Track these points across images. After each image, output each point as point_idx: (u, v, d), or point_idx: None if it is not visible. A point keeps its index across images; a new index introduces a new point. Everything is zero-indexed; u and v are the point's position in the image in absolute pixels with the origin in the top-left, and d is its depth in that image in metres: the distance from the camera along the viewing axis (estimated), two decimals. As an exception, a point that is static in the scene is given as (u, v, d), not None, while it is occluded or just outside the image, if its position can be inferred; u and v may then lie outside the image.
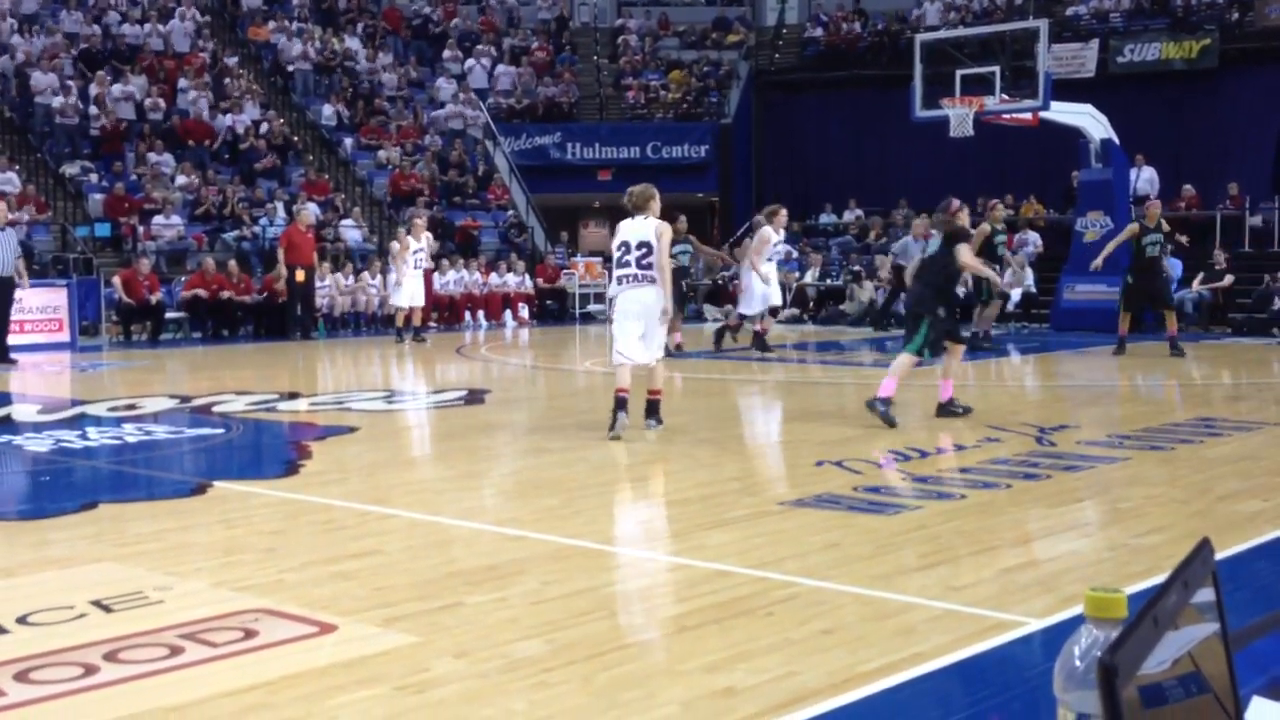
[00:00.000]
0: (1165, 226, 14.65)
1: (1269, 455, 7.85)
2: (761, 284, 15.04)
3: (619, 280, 8.75)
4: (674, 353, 13.78)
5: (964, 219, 9.80)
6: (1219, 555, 4.17)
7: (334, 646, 3.95)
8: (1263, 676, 2.46)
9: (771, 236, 15.02)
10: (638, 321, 8.59)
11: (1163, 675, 1.62)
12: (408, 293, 17.76)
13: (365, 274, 21.21)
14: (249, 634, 4.05)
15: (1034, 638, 4.02)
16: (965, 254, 9.17)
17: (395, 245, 18.51)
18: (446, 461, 8.02)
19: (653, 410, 8.84)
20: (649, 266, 8.54)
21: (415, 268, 17.70)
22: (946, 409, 9.30)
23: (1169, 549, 5.03)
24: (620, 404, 8.45)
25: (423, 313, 18.32)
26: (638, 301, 8.60)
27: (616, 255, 8.79)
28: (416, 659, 3.80)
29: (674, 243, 12.55)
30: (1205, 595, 1.41)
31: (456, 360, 16.07)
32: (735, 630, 4.06)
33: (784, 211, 15.58)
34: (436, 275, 21.92)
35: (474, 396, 11.46)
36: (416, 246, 17.69)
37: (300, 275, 18.64)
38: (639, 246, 8.60)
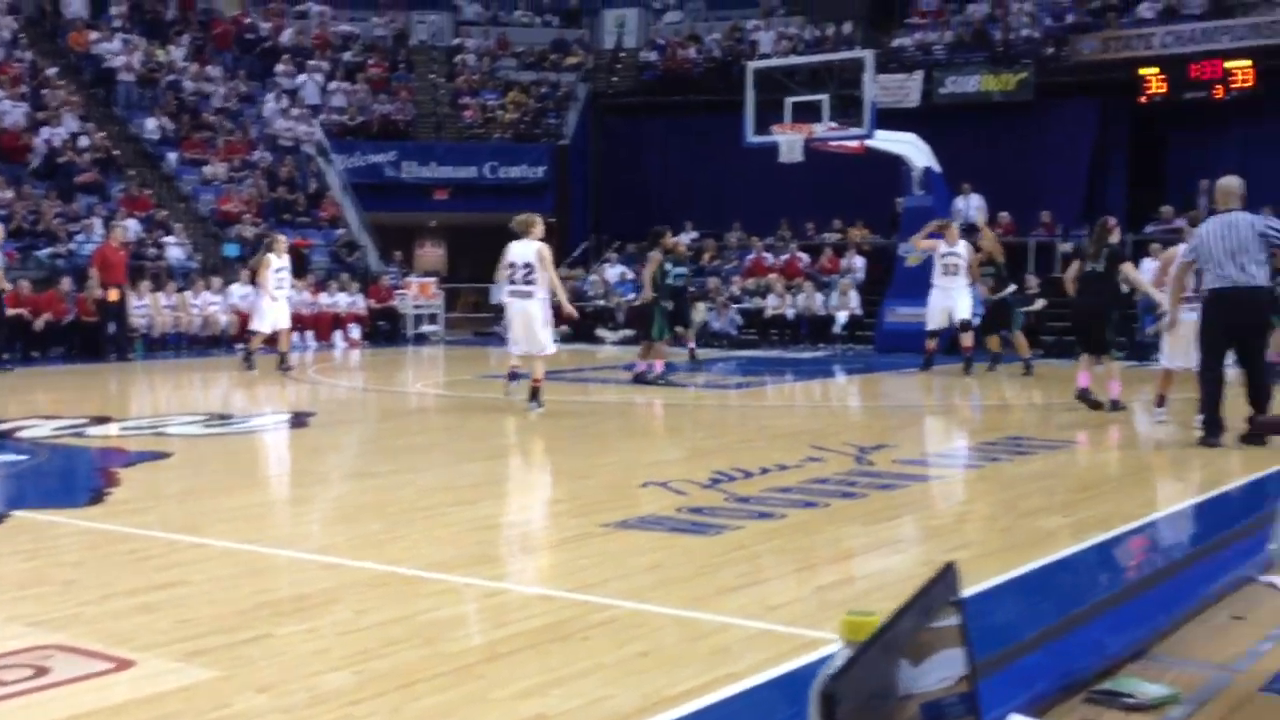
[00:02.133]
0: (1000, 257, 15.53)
1: (1072, 473, 8.19)
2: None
3: (509, 293, 11.05)
4: (654, 379, 13.70)
5: (1116, 236, 11.84)
6: (1022, 570, 4.32)
7: (131, 683, 3.79)
8: (1027, 693, 2.54)
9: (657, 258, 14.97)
10: (521, 326, 10.95)
11: (943, 692, 1.65)
12: (272, 316, 16.02)
13: (188, 293, 20.57)
14: (40, 671, 3.86)
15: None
16: (1130, 270, 11.58)
17: (255, 264, 17.11)
18: (264, 487, 7.81)
19: (534, 395, 10.86)
20: (531, 282, 10.79)
21: (278, 287, 16.05)
22: (1115, 405, 10.88)
23: (977, 564, 5.18)
24: (512, 376, 11.48)
25: (285, 336, 16.54)
26: (521, 311, 10.91)
27: (506, 273, 10.98)
28: (218, 694, 3.67)
29: (677, 264, 13.48)
30: (954, 618, 1.44)
31: (282, 382, 15.68)
32: (551, 655, 4.03)
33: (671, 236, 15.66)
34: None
35: (298, 419, 11.19)
36: (279, 264, 16.06)
37: (114, 294, 17.96)
38: (524, 266, 10.81)
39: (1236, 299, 8.45)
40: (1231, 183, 8.75)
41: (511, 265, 10.91)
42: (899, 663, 1.27)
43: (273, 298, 15.88)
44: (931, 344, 15.49)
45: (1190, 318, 9.31)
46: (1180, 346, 9.66)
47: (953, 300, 15.15)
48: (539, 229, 11.03)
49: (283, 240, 16.77)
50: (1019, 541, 5.77)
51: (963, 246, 15.27)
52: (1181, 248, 9.52)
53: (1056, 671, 2.73)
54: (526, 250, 10.85)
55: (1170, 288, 9.53)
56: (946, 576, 1.36)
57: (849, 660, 1.13)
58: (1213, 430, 8.66)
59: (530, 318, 10.84)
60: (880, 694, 1.28)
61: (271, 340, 16.38)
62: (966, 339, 15.16)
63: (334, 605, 4.65)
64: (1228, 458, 8.50)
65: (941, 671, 1.52)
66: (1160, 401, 10.38)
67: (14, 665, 3.90)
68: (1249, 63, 22.44)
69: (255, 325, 16.22)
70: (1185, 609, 3.29)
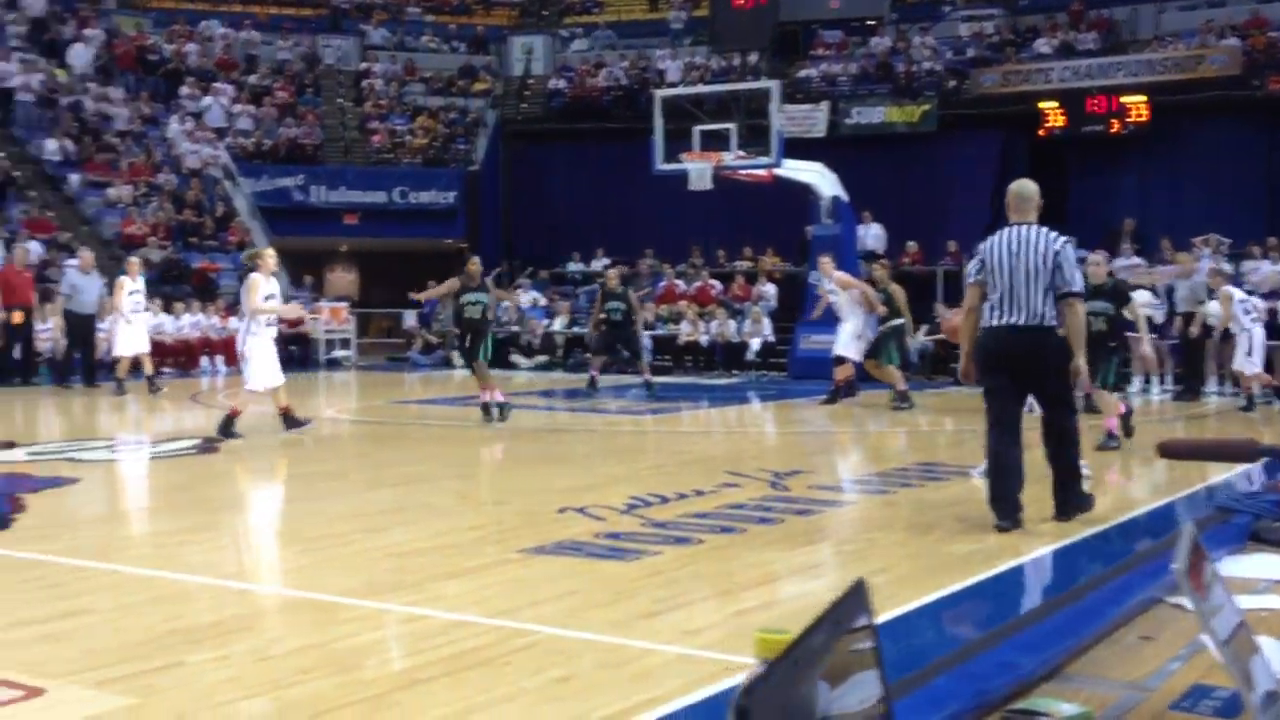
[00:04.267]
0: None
1: (983, 499, 8.32)
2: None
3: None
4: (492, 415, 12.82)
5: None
6: (936, 594, 4.38)
7: (40, 712, 3.71)
8: (940, 713, 2.59)
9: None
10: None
11: (863, 715, 1.68)
12: (128, 339, 16.57)
13: (96, 317, 20.11)
14: (-57, 703, 3.75)
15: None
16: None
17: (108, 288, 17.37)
18: (174, 513, 7.65)
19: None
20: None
21: (134, 310, 16.62)
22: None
23: (890, 589, 5.26)
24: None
25: (152, 359, 17.08)
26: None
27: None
28: (130, 724, 3.60)
29: (465, 290, 12.91)
30: (867, 641, 1.46)
31: (191, 407, 15.41)
32: (469, 682, 4.01)
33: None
34: (170, 319, 21.05)
35: (208, 445, 11.00)
36: (133, 287, 16.60)
37: (18, 317, 17.56)
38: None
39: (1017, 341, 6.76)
40: (1027, 187, 7.11)
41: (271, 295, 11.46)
42: (817, 683, 1.29)
43: (128, 321, 16.50)
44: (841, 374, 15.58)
45: None
46: None
47: (837, 333, 15.34)
48: (263, 261, 11.57)
49: (135, 261, 17.56)
50: (933, 565, 5.86)
51: (836, 280, 15.35)
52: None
53: (970, 692, 2.78)
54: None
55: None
56: (856, 592, 1.39)
57: (760, 674, 1.15)
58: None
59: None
60: (798, 713, 1.30)
61: (137, 365, 16.78)
62: (838, 371, 15.25)
63: (246, 633, 4.59)
64: (1132, 485, 8.71)
65: (860, 693, 1.55)
66: None
67: (-85, 698, 3.79)
68: (1144, 98, 23.15)
69: (117, 351, 16.73)
70: (1095, 629, 3.37)
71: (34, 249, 20.72)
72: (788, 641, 1.32)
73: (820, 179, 20.05)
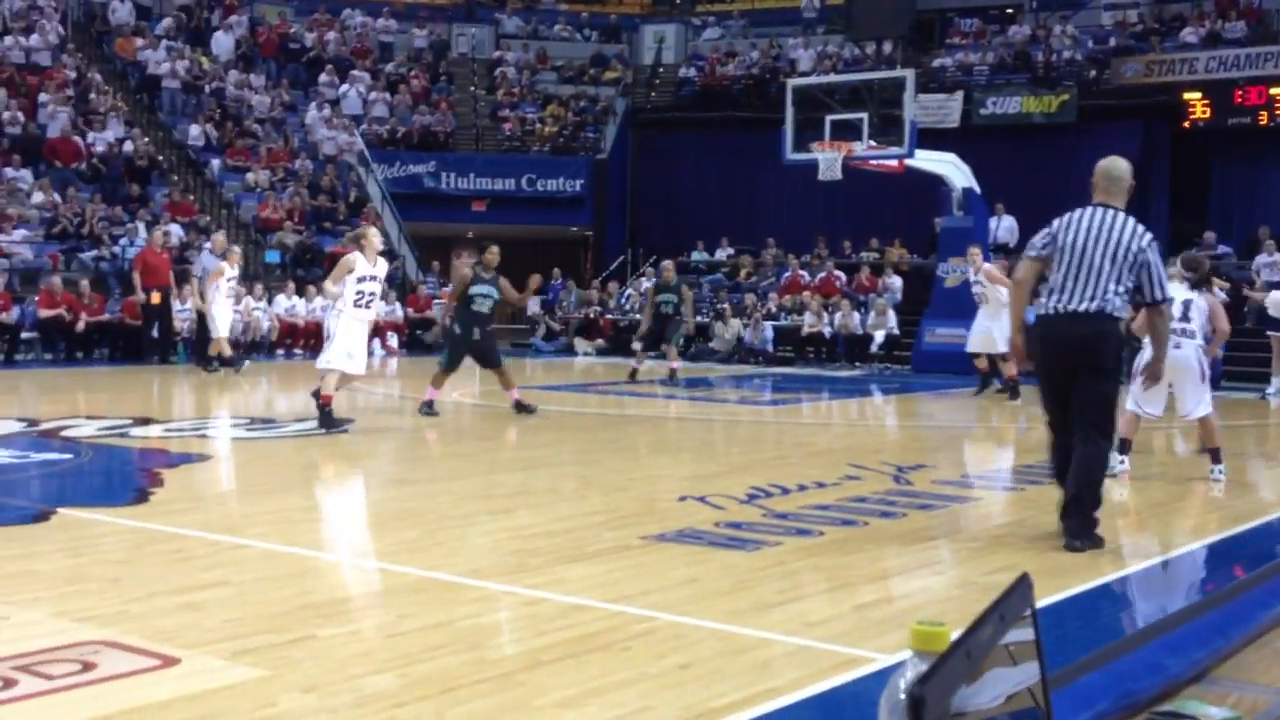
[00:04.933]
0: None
1: (1112, 498, 8.11)
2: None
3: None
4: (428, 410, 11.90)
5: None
6: (1063, 594, 4.30)
7: (177, 680, 3.83)
8: (1088, 711, 2.53)
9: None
10: None
11: (998, 709, 1.66)
12: (225, 321, 17.07)
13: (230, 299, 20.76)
14: (88, 666, 3.90)
15: (885, 673, 4.08)
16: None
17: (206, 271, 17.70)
18: (304, 491, 7.86)
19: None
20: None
21: (228, 296, 17.14)
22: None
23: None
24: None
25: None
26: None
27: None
28: (263, 693, 3.70)
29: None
30: (1026, 632, 1.44)
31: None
32: (591, 665, 4.04)
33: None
34: (304, 302, 21.59)
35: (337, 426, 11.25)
36: (231, 274, 17.08)
37: (155, 297, 18.18)
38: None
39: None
40: (1118, 166, 6.50)
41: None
42: (996, 672, 1.28)
43: (219, 304, 16.80)
44: (980, 365, 15.26)
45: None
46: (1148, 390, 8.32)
47: (986, 328, 14.78)
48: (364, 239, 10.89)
49: (236, 249, 17.79)
50: (1060, 565, 5.73)
51: (984, 274, 14.94)
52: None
53: (1117, 691, 2.72)
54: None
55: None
56: (1021, 586, 1.37)
57: (935, 664, 1.14)
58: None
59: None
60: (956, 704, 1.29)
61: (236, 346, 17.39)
62: (1007, 368, 14.83)
63: (376, 609, 4.69)
64: (1258, 490, 8.40)
65: (1013, 683, 1.52)
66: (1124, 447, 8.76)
67: (61, 660, 3.95)
68: (1294, 89, 22.31)
69: (221, 331, 16.90)
70: (1244, 632, 3.26)
71: (175, 231, 21.43)
72: (945, 634, 1.31)
73: (953, 170, 19.72)
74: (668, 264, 18.18)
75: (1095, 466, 6.07)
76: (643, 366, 16.98)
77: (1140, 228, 6.14)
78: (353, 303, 10.57)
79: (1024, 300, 6.53)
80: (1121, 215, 6.17)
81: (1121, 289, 6.01)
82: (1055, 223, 6.33)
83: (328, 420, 10.54)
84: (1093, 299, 5.99)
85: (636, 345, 17.27)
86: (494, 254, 12.15)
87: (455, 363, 12.18)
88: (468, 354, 12.21)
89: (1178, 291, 8.50)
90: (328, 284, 10.76)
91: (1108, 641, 3.96)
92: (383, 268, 11.00)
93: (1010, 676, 1.62)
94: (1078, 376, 6.04)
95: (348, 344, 10.62)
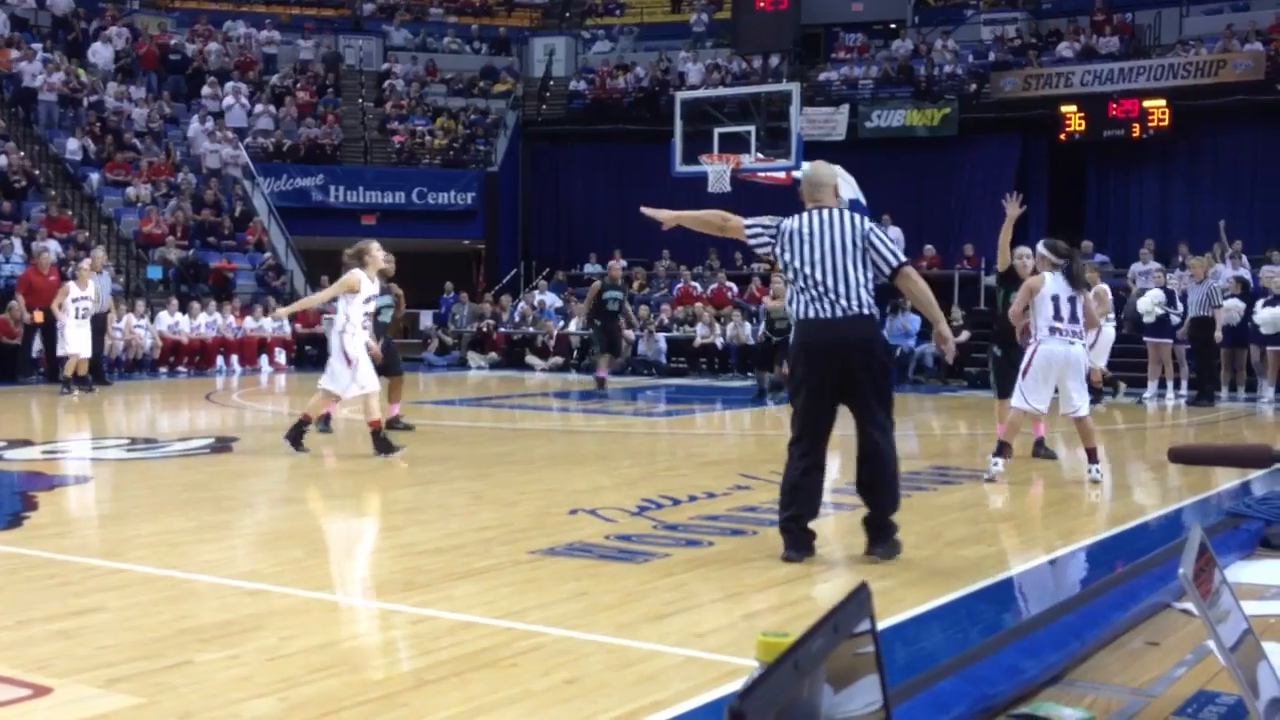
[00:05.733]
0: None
1: (996, 502, 8.30)
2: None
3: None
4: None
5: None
6: (948, 597, 4.36)
7: (48, 710, 3.72)
8: (945, 716, 2.58)
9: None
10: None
11: (872, 715, 1.68)
12: (72, 341, 16.37)
13: (110, 315, 20.23)
14: (-47, 699, 3.77)
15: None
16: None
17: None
18: (187, 512, 7.67)
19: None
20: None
21: (78, 316, 16.44)
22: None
23: (900, 592, 5.24)
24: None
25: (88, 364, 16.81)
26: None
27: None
28: (138, 722, 3.61)
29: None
30: (869, 645, 1.46)
31: (206, 407, 15.48)
32: (476, 683, 4.01)
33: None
34: (187, 319, 21.15)
35: (221, 444, 11.05)
36: (79, 294, 16.47)
37: (39, 316, 17.71)
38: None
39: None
40: (823, 171, 6.47)
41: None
42: (821, 686, 1.29)
43: (68, 325, 16.25)
44: None
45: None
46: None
47: None
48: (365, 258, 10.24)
49: (86, 268, 17.05)
50: (941, 570, 5.84)
51: None
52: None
53: (974, 696, 2.77)
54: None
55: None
56: (859, 596, 1.38)
57: (757, 677, 1.15)
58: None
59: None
60: (799, 716, 1.30)
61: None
62: None
63: (257, 632, 4.60)
64: (1141, 490, 8.64)
65: (864, 698, 1.54)
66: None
67: (-75, 693, 3.81)
68: (1164, 102, 23.06)
69: (67, 349, 16.31)
70: (1100, 635, 3.35)
71: (52, 247, 20.86)
72: (788, 645, 1.31)
73: (840, 182, 20.01)
74: (614, 263, 18.55)
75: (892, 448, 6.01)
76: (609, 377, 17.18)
77: (855, 215, 6.06)
78: (360, 324, 10.11)
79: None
80: (835, 211, 6.08)
81: (866, 281, 5.89)
82: (777, 230, 6.19)
83: (384, 445, 10.06)
84: (847, 299, 5.85)
85: (601, 360, 17.38)
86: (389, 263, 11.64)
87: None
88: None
89: (1059, 287, 8.70)
90: (319, 296, 10.16)
91: (978, 643, 4.05)
92: (376, 285, 10.43)
93: (874, 686, 1.65)
94: (855, 380, 5.87)
95: (368, 364, 10.19)
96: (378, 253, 10.32)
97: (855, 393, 5.88)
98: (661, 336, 22.35)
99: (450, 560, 5.98)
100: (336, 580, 5.50)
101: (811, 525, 6.13)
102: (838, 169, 20.31)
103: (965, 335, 19.71)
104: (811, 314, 5.90)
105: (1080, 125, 23.83)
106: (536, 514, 7.42)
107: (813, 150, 20.34)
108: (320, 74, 30.24)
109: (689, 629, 4.75)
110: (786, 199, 22.62)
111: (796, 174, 19.36)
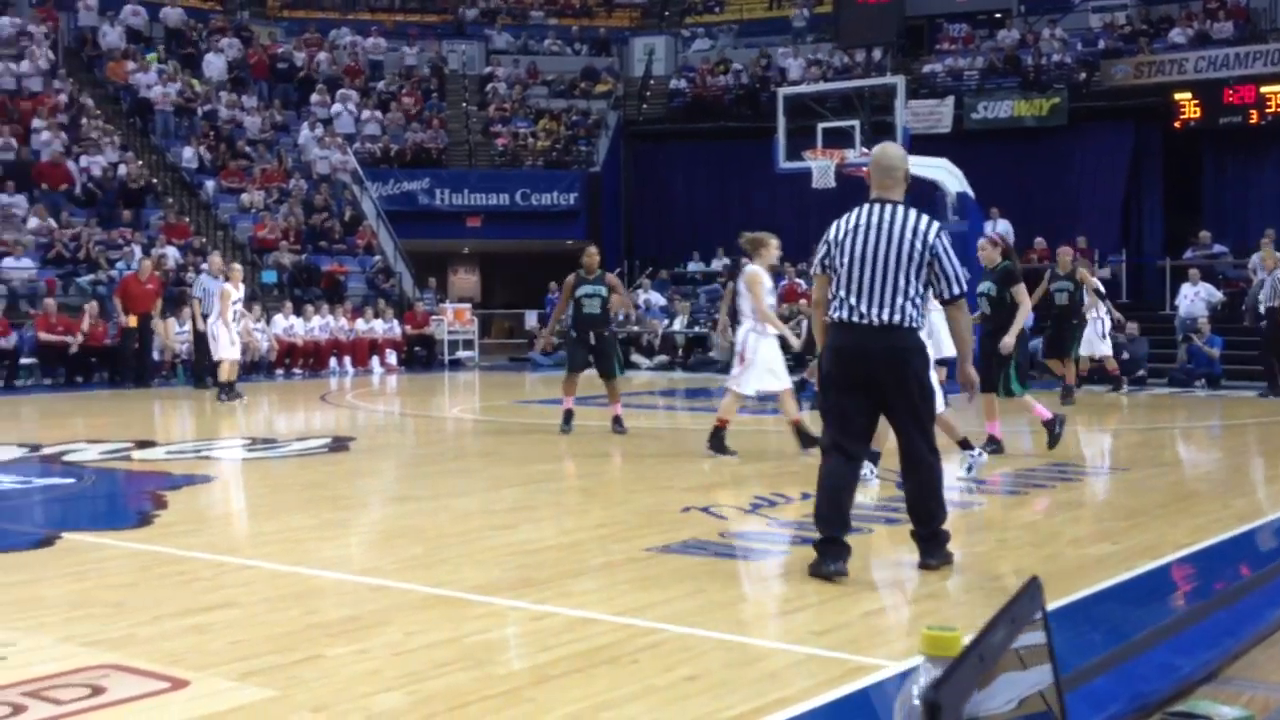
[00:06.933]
0: (1082, 275, 15.42)
1: (1118, 500, 8.13)
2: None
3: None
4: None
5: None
6: (1069, 598, 4.29)
7: (186, 702, 3.83)
8: (1101, 714, 2.53)
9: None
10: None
11: (1011, 714, 1.66)
12: (232, 345, 15.86)
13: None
14: (96, 690, 3.90)
15: (894, 680, 4.08)
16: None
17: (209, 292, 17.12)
18: (307, 510, 7.85)
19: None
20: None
21: (235, 319, 16.07)
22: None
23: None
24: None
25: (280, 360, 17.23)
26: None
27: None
28: (272, 714, 3.70)
29: (581, 283, 11.71)
30: (1037, 635, 1.44)
31: (321, 407, 15.79)
32: (599, 679, 4.04)
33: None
34: (302, 321, 21.60)
35: (338, 444, 11.26)
36: (237, 296, 16.11)
37: (133, 320, 18.37)
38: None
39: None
40: (893, 153, 5.77)
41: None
42: (1009, 676, 1.28)
43: (225, 327, 15.80)
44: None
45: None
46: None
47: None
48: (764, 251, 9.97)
49: (239, 269, 16.87)
50: (1067, 568, 5.73)
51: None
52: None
53: (1129, 694, 2.72)
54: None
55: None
56: (1031, 590, 1.37)
57: (949, 669, 1.15)
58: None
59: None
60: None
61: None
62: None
63: (383, 627, 4.68)
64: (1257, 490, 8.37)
65: (1029, 684, 1.53)
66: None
67: (70, 685, 3.94)
68: (1285, 87, 22.37)
69: (225, 354, 15.83)
70: (1254, 632, 3.27)
71: (171, 254, 21.47)
72: (956, 638, 1.31)
73: (946, 175, 19.75)
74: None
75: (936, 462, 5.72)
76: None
77: (925, 217, 5.50)
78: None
79: (821, 320, 5.75)
80: (901, 209, 5.52)
81: (914, 293, 5.44)
82: (830, 229, 5.65)
83: (808, 440, 9.84)
84: (881, 310, 5.41)
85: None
86: (592, 255, 12.20)
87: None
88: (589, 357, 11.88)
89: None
90: (763, 307, 10.01)
91: (1118, 644, 3.96)
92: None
93: (1021, 680, 1.63)
94: (883, 391, 5.51)
95: (773, 363, 10.28)
96: (774, 247, 10.09)
97: (888, 405, 5.57)
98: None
99: (566, 557, 6.03)
100: (455, 577, 5.58)
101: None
102: (943, 161, 20.01)
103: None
104: (840, 316, 5.49)
105: (1195, 113, 23.20)
106: (649, 512, 7.45)
107: (919, 144, 20.14)
108: (425, 79, 30.68)
109: (807, 626, 4.73)
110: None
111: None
